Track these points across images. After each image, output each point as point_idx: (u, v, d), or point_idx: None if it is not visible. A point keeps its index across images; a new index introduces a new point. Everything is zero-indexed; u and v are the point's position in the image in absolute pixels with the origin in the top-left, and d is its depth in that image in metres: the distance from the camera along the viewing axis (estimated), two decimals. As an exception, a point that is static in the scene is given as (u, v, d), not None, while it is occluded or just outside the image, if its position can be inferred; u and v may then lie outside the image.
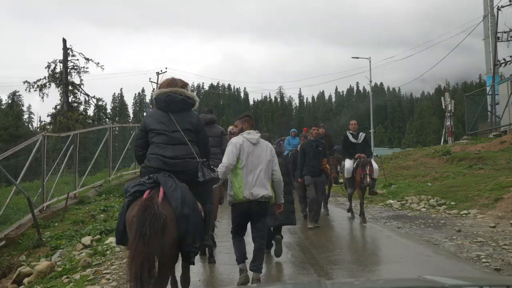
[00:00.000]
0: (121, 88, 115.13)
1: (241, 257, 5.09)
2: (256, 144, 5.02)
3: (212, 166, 4.12)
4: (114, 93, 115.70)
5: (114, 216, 9.82)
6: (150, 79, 38.41)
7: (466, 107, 20.68)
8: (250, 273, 5.08)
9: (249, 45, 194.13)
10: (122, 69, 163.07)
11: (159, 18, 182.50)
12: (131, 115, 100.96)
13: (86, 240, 8.47)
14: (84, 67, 37.70)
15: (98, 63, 37.88)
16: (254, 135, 5.06)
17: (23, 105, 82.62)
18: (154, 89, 37.02)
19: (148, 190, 3.61)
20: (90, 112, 41.37)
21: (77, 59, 37.40)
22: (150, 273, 3.26)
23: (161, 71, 38.27)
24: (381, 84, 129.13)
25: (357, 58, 40.68)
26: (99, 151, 14.39)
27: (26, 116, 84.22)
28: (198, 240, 3.80)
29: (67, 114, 36.53)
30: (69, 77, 38.36)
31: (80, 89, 39.54)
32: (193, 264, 4.06)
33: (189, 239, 3.62)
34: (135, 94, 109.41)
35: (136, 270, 3.20)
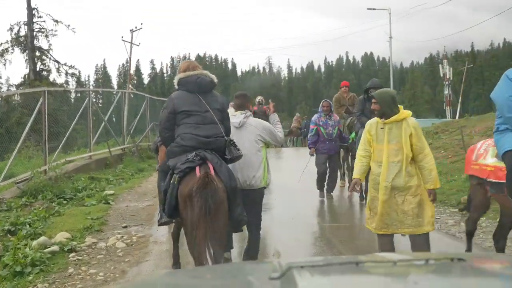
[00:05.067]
0: (104, 59, 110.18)
1: None
2: (241, 128, 4.64)
3: (236, 146, 4.24)
4: (97, 64, 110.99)
5: (15, 256, 4.96)
6: (122, 37, 33.65)
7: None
8: None
9: (234, 18, 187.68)
10: (102, 42, 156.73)
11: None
12: (116, 87, 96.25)
13: None
14: (52, 29, 33.19)
15: (69, 25, 33.28)
16: (237, 117, 4.69)
17: (-2, 76, 76.80)
18: (130, 50, 32.71)
19: (198, 167, 3.76)
20: (72, 83, 37.05)
21: (44, 21, 32.90)
22: (218, 244, 3.63)
23: (136, 27, 33.70)
24: (371, 53, 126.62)
25: (374, 9, 35.98)
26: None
27: (4, 89, 78.65)
28: (244, 210, 4.14)
29: (34, 83, 32.23)
30: (35, 42, 33.88)
31: (49, 55, 35.14)
32: (242, 231, 4.48)
33: (238, 209, 3.99)
34: (119, 65, 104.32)
35: (206, 242, 3.53)
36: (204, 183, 3.54)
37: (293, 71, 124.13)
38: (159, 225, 4.27)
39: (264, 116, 14.53)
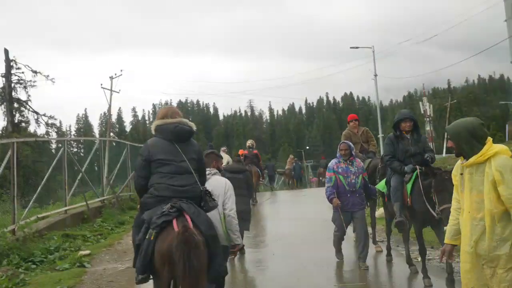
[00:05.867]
0: (85, 108, 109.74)
1: None
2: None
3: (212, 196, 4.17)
4: (78, 114, 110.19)
5: None
6: (101, 85, 33.06)
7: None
8: None
9: (214, 63, 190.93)
10: (83, 92, 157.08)
11: (118, 39, 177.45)
12: (98, 136, 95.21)
13: None
14: (31, 81, 32.60)
15: (48, 75, 32.84)
16: None
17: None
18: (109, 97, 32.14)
19: (175, 219, 3.62)
20: (52, 134, 36.25)
21: (23, 72, 32.39)
22: None
23: (115, 74, 33.17)
24: (351, 93, 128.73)
25: (357, 47, 35.40)
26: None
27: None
28: (225, 260, 4.28)
29: (11, 135, 31.22)
30: (14, 93, 33.20)
31: (28, 106, 34.37)
32: (220, 285, 4.37)
33: (219, 259, 3.81)
34: (101, 114, 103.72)
35: None
36: (183, 239, 3.38)
37: (275, 113, 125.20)
38: (137, 283, 3.91)
39: (256, 159, 14.56)
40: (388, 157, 6.07)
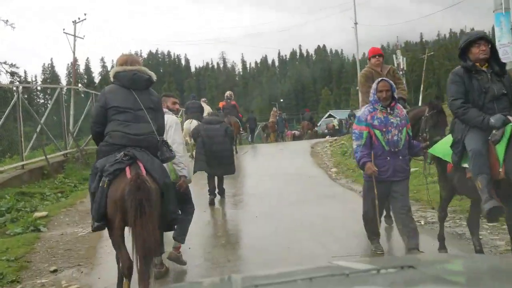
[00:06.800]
0: (51, 58, 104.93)
1: None
2: None
3: (170, 147, 4.17)
4: (44, 64, 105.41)
5: None
6: (64, 29, 30.77)
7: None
8: None
9: (186, 11, 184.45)
10: (49, 40, 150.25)
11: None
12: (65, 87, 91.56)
13: None
14: (-12, 25, 30.03)
15: (7, 20, 30.37)
16: None
17: None
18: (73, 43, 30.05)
19: (128, 167, 3.63)
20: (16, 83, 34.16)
21: (-21, 17, 29.72)
22: (155, 247, 3.56)
23: (79, 18, 30.89)
24: (324, 46, 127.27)
25: None
26: None
27: None
28: (178, 207, 4.16)
29: (-33, 84, 29.18)
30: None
31: (-14, 54, 32.00)
32: (174, 230, 4.43)
33: (172, 207, 3.89)
34: (67, 64, 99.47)
35: (143, 247, 3.39)
36: (136, 186, 3.42)
37: (247, 65, 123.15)
38: (93, 231, 3.99)
39: (235, 110, 14.12)
40: (460, 101, 3.97)
